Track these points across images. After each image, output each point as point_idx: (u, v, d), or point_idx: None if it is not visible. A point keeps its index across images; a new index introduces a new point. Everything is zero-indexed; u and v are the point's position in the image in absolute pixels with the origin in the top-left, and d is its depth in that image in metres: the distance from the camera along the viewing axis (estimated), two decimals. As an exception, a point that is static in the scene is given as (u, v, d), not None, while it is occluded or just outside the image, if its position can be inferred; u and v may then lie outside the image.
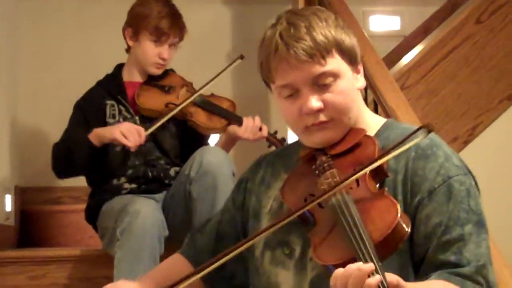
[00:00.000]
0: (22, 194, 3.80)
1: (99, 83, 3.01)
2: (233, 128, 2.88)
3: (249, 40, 4.18)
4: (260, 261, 1.63)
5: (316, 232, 1.45)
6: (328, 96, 1.54)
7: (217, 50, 4.15)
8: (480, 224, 1.48)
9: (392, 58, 4.06)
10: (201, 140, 2.95)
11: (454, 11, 4.26)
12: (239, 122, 2.88)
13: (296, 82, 1.54)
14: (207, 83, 2.94)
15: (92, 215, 2.86)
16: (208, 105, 2.94)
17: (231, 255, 1.44)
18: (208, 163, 2.65)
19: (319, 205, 1.46)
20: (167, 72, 3.03)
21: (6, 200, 3.42)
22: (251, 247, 1.64)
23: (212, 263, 1.45)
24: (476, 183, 1.54)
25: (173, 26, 2.90)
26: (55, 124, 2.96)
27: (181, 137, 2.96)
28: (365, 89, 2.95)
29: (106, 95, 2.93)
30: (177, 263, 1.78)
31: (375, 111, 2.82)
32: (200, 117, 2.91)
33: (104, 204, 2.79)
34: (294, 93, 1.56)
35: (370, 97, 2.92)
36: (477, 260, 1.44)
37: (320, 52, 1.52)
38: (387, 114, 2.57)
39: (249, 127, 2.87)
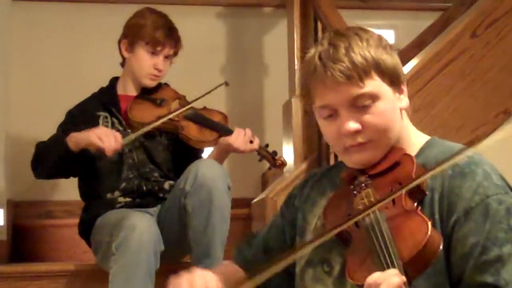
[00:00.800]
0: (14, 208, 3.77)
1: (93, 95, 3.02)
2: (224, 138, 2.88)
3: (243, 53, 4.22)
4: (301, 277, 1.63)
5: (351, 251, 1.47)
6: (366, 117, 1.53)
7: (211, 64, 4.15)
8: None
9: (386, 72, 4.06)
10: (194, 154, 2.94)
11: (448, 25, 4.27)
12: (230, 135, 2.87)
13: (334, 103, 1.54)
14: (197, 99, 2.94)
15: (86, 230, 2.85)
16: (199, 118, 2.94)
17: (278, 267, 1.44)
18: (204, 176, 2.65)
19: (356, 224, 1.46)
20: (161, 86, 3.04)
21: (-2, 214, 3.40)
22: (292, 263, 1.66)
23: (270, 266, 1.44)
24: None
25: (168, 37, 2.92)
26: (41, 138, 2.95)
27: (174, 151, 2.96)
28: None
29: (100, 107, 2.94)
30: (230, 267, 1.79)
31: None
32: (191, 131, 2.91)
33: (98, 218, 2.78)
34: (333, 113, 1.56)
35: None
36: None
37: (358, 73, 1.51)
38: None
39: (240, 137, 2.86)
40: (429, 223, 1.38)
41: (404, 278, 1.27)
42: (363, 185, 1.55)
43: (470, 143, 3.13)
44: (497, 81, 3.23)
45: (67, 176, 2.96)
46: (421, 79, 3.14)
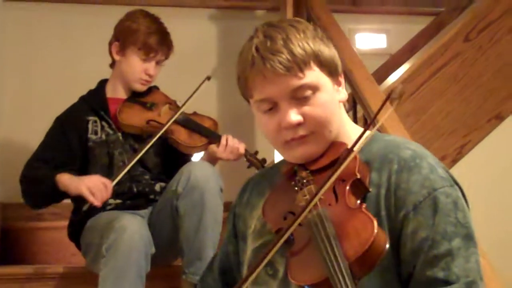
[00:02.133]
0: (4, 211, 3.76)
1: (82, 99, 3.00)
2: (212, 148, 2.87)
3: (235, 56, 4.18)
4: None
5: (293, 251, 1.41)
6: (307, 109, 1.50)
7: (203, 66, 4.13)
8: (469, 237, 1.44)
9: (378, 76, 4.07)
10: (184, 158, 2.93)
11: (440, 30, 4.29)
12: (219, 140, 2.86)
13: (274, 96, 1.51)
14: (186, 102, 2.92)
15: (75, 232, 2.83)
16: (189, 123, 2.93)
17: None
18: (196, 178, 2.64)
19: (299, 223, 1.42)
20: (151, 89, 3.02)
21: (-13, 217, 3.39)
22: (241, 267, 1.65)
23: None
24: (463, 195, 1.50)
25: (161, 43, 2.90)
26: (39, 140, 2.93)
27: (164, 155, 2.95)
28: (354, 105, 2.95)
29: (89, 111, 2.92)
30: None
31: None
32: (181, 135, 2.89)
33: (88, 220, 2.76)
34: (272, 107, 1.52)
35: (360, 113, 2.91)
36: (466, 275, 1.40)
37: (298, 64, 1.48)
38: (377, 130, 2.55)
39: (229, 147, 2.85)
40: (375, 222, 1.34)
41: None
42: (305, 181, 1.51)
43: (462, 147, 3.17)
44: (490, 86, 3.24)
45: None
46: (413, 83, 3.15)
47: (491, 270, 1.99)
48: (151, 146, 2.84)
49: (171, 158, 2.94)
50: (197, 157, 3.00)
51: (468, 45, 3.22)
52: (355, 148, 1.41)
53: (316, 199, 1.39)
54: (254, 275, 1.39)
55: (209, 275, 1.78)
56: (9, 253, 3.54)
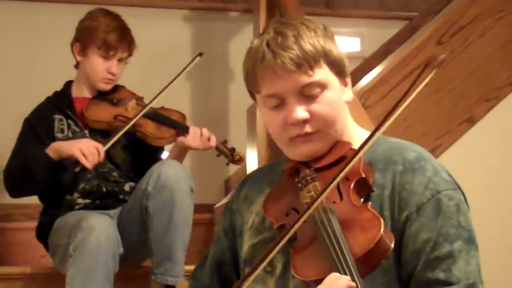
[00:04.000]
0: (-30, 211, 3.74)
1: (48, 99, 3.00)
2: (181, 139, 2.88)
3: (209, 57, 4.18)
4: (240, 277, 1.61)
5: (297, 246, 1.42)
6: (315, 106, 1.51)
7: (176, 67, 4.11)
8: (470, 240, 1.46)
9: (352, 79, 4.07)
10: (154, 154, 2.94)
11: (414, 34, 4.31)
12: (187, 131, 2.87)
13: (283, 91, 1.51)
14: (165, 87, 2.98)
15: (44, 232, 2.81)
16: (157, 115, 2.94)
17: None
18: (166, 177, 2.63)
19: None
20: (117, 88, 3.02)
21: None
22: (237, 262, 1.65)
23: None
24: (465, 199, 1.52)
25: (121, 40, 2.90)
26: (4, 141, 2.91)
27: (133, 150, 2.95)
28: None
29: (55, 110, 2.92)
30: None
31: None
32: (149, 127, 2.90)
33: (57, 220, 2.75)
34: (280, 103, 1.53)
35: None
36: (467, 278, 1.42)
37: (308, 61, 1.49)
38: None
39: (197, 136, 2.87)
40: (382, 220, 1.36)
41: (347, 279, 1.26)
42: (309, 178, 1.51)
43: (434, 151, 3.17)
44: (462, 89, 3.25)
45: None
46: (385, 86, 3.15)
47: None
48: (118, 142, 2.85)
49: (140, 154, 2.94)
50: (166, 152, 3.00)
51: (441, 48, 3.22)
52: (365, 148, 1.42)
53: (323, 196, 1.40)
54: (257, 271, 1.40)
55: (201, 271, 1.77)
56: (-24, 254, 3.53)
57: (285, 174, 1.60)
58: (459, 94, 3.24)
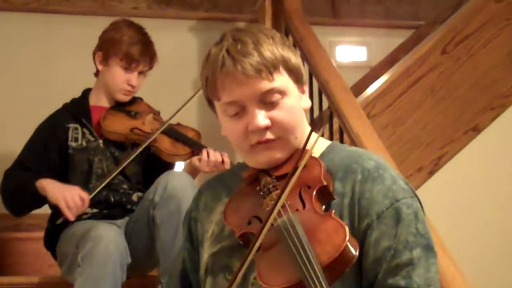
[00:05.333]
0: (-20, 221, 3.75)
1: (64, 106, 2.99)
2: (194, 161, 2.88)
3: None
4: (203, 286, 1.61)
5: (262, 255, 1.41)
6: (275, 113, 1.51)
7: (184, 77, 4.16)
8: (429, 247, 1.47)
9: (358, 88, 4.09)
10: (165, 168, 2.92)
11: (420, 43, 4.31)
12: (201, 151, 2.87)
13: (243, 98, 1.51)
14: (175, 113, 2.95)
15: (51, 240, 2.82)
16: (173, 132, 2.94)
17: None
18: (173, 187, 2.64)
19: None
20: (135, 100, 3.02)
21: (-37, 226, 3.38)
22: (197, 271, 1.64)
23: None
24: (421, 206, 1.53)
25: (143, 53, 2.90)
26: (18, 148, 2.92)
27: (145, 164, 2.95)
28: (331, 117, 2.95)
29: (70, 118, 2.92)
30: None
31: (341, 139, 2.83)
32: (164, 144, 2.90)
33: (65, 229, 2.75)
34: (240, 111, 1.53)
35: (336, 125, 2.92)
36: (427, 284, 1.43)
37: (268, 68, 1.49)
38: (352, 142, 2.57)
39: (211, 161, 2.85)
40: (347, 227, 1.35)
41: None
42: (271, 186, 1.51)
43: (439, 159, 3.18)
44: (467, 98, 3.26)
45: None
46: (390, 95, 3.17)
47: (461, 278, 2.00)
48: (131, 155, 2.85)
49: (152, 167, 2.93)
50: (179, 167, 3.01)
51: (446, 57, 3.24)
52: (308, 147, 1.44)
53: (282, 200, 1.40)
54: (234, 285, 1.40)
55: (170, 281, 1.79)
56: (-15, 264, 3.54)
57: (244, 182, 1.60)
58: (464, 103, 3.25)
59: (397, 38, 4.47)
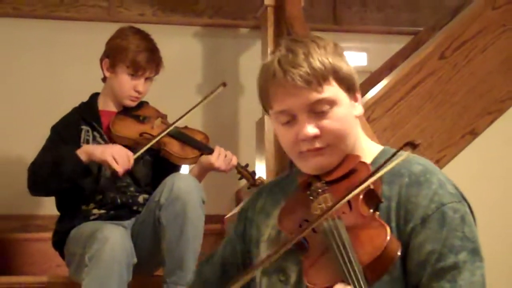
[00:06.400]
0: (-11, 222, 3.78)
1: (75, 110, 3.02)
2: (206, 158, 2.89)
3: (219, 72, 4.24)
4: (259, 287, 1.63)
5: (308, 256, 1.45)
6: (324, 123, 1.53)
7: (188, 82, 4.18)
8: (475, 252, 1.47)
9: (359, 93, 4.09)
10: (172, 170, 2.93)
11: (419, 49, 4.32)
12: (211, 153, 2.89)
13: (293, 108, 1.53)
14: (188, 111, 3.00)
15: (60, 241, 2.84)
16: (182, 136, 2.96)
17: (240, 283, 1.43)
18: (179, 189, 2.66)
19: (313, 230, 1.45)
20: (142, 104, 3.05)
21: (-27, 228, 3.39)
22: (245, 267, 1.67)
23: None
24: (471, 211, 1.53)
25: (150, 60, 2.92)
26: (25, 151, 2.95)
27: (154, 167, 2.97)
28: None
29: (82, 121, 2.95)
30: None
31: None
32: (174, 147, 2.92)
33: (73, 229, 2.77)
34: (291, 119, 1.55)
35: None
36: None
37: (317, 78, 1.51)
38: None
39: (221, 157, 2.88)
40: (388, 228, 1.38)
41: None
42: (320, 190, 1.53)
43: (437, 163, 3.18)
44: (464, 103, 3.27)
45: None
46: (390, 100, 3.17)
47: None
48: (141, 157, 2.88)
49: (161, 170, 2.94)
50: (185, 169, 3.03)
51: (443, 63, 3.24)
52: (381, 172, 1.44)
53: (333, 210, 1.42)
54: (262, 265, 1.46)
55: (207, 266, 1.80)
56: (-6, 264, 3.56)
57: (298, 188, 1.62)
58: (462, 107, 3.26)
59: (396, 44, 4.48)
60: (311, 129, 1.53)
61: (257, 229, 1.70)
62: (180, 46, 4.27)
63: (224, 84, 3.14)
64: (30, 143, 2.96)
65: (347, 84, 1.57)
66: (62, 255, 2.86)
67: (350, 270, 1.32)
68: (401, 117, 3.18)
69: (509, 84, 3.32)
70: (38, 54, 4.14)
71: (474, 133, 3.27)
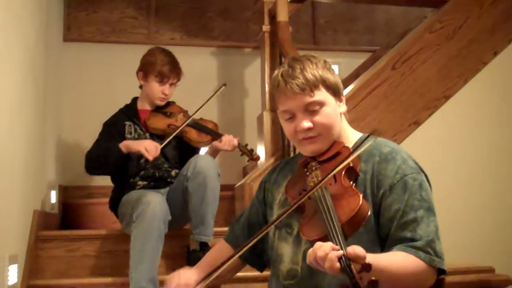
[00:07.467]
0: (63, 191, 3.77)
1: (120, 110, 3.01)
2: (215, 143, 2.88)
3: (230, 80, 4.22)
4: (273, 239, 1.64)
5: (305, 216, 1.47)
6: (316, 118, 1.55)
7: (207, 87, 4.15)
8: (430, 209, 1.47)
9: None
10: (194, 152, 2.93)
11: (376, 62, 4.30)
12: (220, 137, 2.88)
13: (292, 108, 1.56)
14: (199, 108, 2.98)
15: (114, 205, 2.84)
16: (198, 125, 2.95)
17: (257, 238, 1.45)
18: (200, 166, 2.64)
19: (308, 197, 1.46)
20: (169, 103, 3.03)
21: (52, 195, 3.38)
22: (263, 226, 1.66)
23: (246, 245, 1.47)
24: (427, 180, 1.52)
25: (172, 71, 2.91)
26: (89, 140, 2.94)
27: (179, 149, 2.96)
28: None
29: (126, 118, 2.93)
30: (222, 248, 1.79)
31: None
32: (192, 134, 2.91)
33: (124, 196, 2.77)
34: (291, 117, 1.57)
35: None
36: (427, 236, 1.43)
37: (310, 87, 1.52)
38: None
39: (227, 142, 2.87)
40: (361, 196, 1.38)
41: (330, 244, 1.25)
42: (313, 168, 1.55)
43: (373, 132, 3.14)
44: (410, 101, 3.26)
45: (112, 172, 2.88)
46: (355, 100, 3.17)
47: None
48: (170, 143, 2.86)
49: (185, 151, 2.94)
50: (203, 150, 3.02)
51: (394, 72, 3.24)
52: (355, 154, 1.44)
53: (321, 183, 1.43)
54: (273, 224, 1.47)
55: (237, 224, 1.81)
56: (67, 221, 3.56)
57: (299, 166, 1.63)
58: (408, 105, 3.25)
59: (359, 59, 4.47)
60: (306, 123, 1.55)
61: (272, 196, 1.71)
62: (201, 62, 4.26)
63: (224, 85, 3.12)
64: (94, 133, 2.95)
65: (333, 90, 1.57)
66: (116, 214, 2.85)
67: (332, 226, 1.32)
68: (363, 113, 3.17)
69: (442, 87, 3.31)
70: (97, 69, 4.14)
71: (417, 123, 3.27)
